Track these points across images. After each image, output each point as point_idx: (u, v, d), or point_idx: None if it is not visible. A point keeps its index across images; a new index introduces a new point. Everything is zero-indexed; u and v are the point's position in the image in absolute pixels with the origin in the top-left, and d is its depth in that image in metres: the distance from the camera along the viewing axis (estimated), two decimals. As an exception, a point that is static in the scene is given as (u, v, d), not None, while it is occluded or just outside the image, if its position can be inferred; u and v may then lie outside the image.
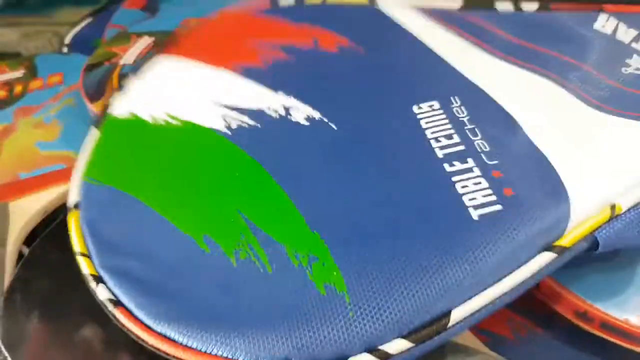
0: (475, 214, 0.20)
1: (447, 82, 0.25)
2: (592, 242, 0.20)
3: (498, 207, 0.20)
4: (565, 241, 0.19)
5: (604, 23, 0.27)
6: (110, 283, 0.20)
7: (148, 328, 0.18)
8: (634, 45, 0.26)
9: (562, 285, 0.22)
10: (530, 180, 0.21)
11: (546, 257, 0.19)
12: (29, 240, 0.29)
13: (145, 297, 0.19)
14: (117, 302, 0.19)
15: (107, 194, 0.22)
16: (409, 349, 0.17)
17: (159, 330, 0.18)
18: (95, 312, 0.24)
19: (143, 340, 0.18)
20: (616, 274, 0.23)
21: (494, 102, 0.24)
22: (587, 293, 0.22)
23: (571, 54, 0.26)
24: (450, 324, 0.18)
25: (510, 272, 0.19)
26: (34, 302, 0.25)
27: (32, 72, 0.39)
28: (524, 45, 0.26)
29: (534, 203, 0.20)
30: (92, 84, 0.35)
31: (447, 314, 0.18)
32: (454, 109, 0.24)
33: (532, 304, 0.24)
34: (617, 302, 0.22)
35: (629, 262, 0.24)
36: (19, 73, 0.39)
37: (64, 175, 0.31)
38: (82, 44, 0.43)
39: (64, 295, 0.25)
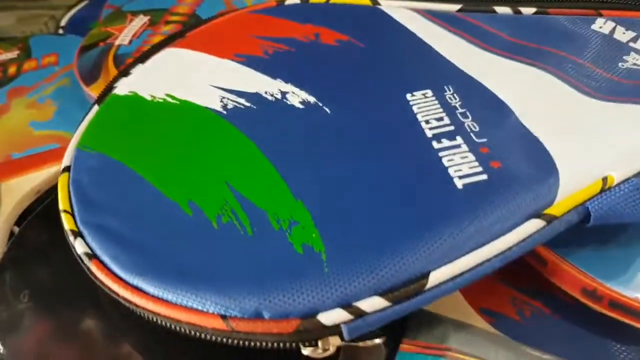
0: (459, 183, 0.20)
1: (441, 73, 0.26)
2: (583, 214, 0.20)
3: (484, 176, 0.20)
4: (554, 210, 0.20)
5: (602, 25, 0.27)
6: (89, 238, 0.20)
7: (121, 280, 0.19)
8: (631, 44, 0.27)
9: (570, 262, 0.22)
10: (519, 155, 0.21)
11: (534, 224, 0.19)
12: (22, 221, 0.28)
13: (121, 251, 0.19)
14: (92, 256, 0.20)
15: (97, 160, 0.23)
16: (384, 308, 0.17)
17: (130, 282, 0.19)
18: (86, 291, 0.24)
19: (115, 293, 0.19)
20: (626, 251, 0.23)
21: (487, 89, 0.25)
22: (596, 271, 0.22)
23: (568, 50, 0.26)
24: (428, 286, 0.18)
25: (496, 239, 0.19)
26: (23, 282, 0.24)
27: (26, 53, 0.38)
28: (520, 43, 0.27)
29: (522, 174, 0.20)
30: (86, 65, 0.34)
31: (426, 275, 0.18)
32: (447, 96, 0.24)
33: (538, 282, 0.23)
34: (626, 280, 0.21)
35: (638, 239, 0.23)
36: (13, 54, 0.38)
37: (57, 155, 0.30)
38: (77, 27, 0.43)
39: (54, 275, 0.25)
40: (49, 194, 0.29)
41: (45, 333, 0.23)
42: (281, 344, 0.18)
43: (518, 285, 0.24)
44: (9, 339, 0.22)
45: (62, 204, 0.21)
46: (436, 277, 0.18)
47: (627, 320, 0.21)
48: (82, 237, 0.20)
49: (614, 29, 0.27)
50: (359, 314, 0.17)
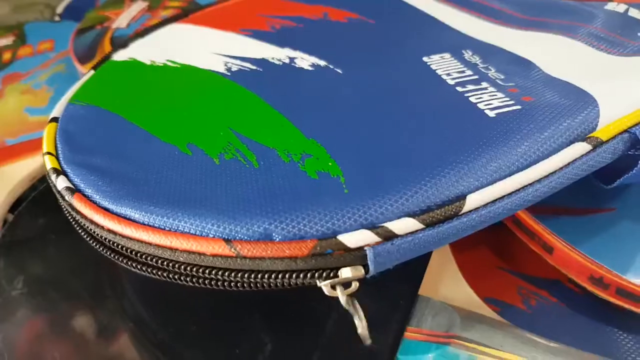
0: (491, 113, 0.19)
1: (457, 41, 0.25)
2: (630, 141, 0.19)
3: (517, 107, 0.19)
4: (599, 134, 0.18)
5: (615, 7, 0.27)
6: (72, 175, 0.18)
7: (105, 210, 0.17)
8: None
9: (576, 249, 0.21)
10: (551, 92, 0.20)
11: (580, 148, 0.18)
12: (16, 208, 0.28)
13: (107, 184, 0.17)
14: (74, 190, 0.18)
15: (88, 111, 0.21)
16: (416, 231, 0.15)
17: (116, 211, 0.17)
18: (81, 277, 0.23)
19: (99, 226, 0.17)
20: (633, 238, 0.22)
21: (506, 50, 0.24)
22: (603, 258, 0.21)
23: (582, 21, 0.26)
24: (465, 209, 0.16)
25: (537, 162, 0.17)
26: (18, 269, 0.24)
27: (21, 39, 0.38)
28: (530, 19, 0.26)
29: (558, 104, 0.19)
30: (82, 46, 0.33)
31: (462, 197, 0.16)
32: (466, 57, 0.23)
33: (544, 271, 0.23)
34: (634, 268, 0.21)
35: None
36: (8, 40, 0.38)
37: (52, 141, 0.30)
38: (74, 15, 0.42)
39: (49, 262, 0.24)
40: (43, 181, 0.28)
41: (39, 319, 0.22)
42: (293, 278, 0.15)
43: (524, 274, 0.23)
44: (2, 325, 0.22)
45: (47, 147, 0.20)
46: (474, 200, 0.16)
47: (634, 308, 0.21)
48: (66, 175, 0.18)
49: (627, 10, 0.26)
50: (388, 236, 0.15)
